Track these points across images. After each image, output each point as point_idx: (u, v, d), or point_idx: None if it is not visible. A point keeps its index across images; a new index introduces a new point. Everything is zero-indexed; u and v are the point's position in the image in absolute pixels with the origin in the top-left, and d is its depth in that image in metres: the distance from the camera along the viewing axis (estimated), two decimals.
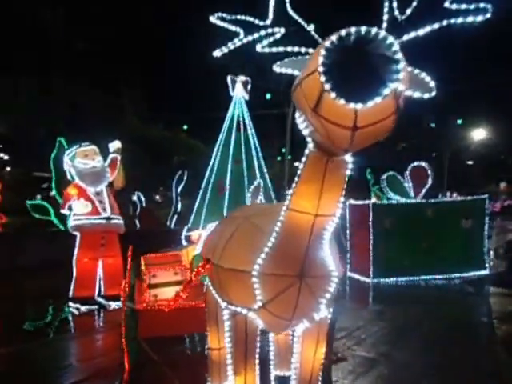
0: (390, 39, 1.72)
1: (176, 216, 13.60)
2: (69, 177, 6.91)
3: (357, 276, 9.45)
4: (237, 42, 2.22)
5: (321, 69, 1.71)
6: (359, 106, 1.70)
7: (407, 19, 2.06)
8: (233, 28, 2.22)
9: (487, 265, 9.55)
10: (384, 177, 9.71)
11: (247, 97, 9.18)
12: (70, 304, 6.75)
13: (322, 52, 1.72)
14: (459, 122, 26.24)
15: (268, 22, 2.19)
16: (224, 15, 2.23)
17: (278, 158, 31.53)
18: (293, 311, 2.49)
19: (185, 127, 24.10)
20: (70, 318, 6.44)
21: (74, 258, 6.79)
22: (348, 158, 2.17)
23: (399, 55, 1.72)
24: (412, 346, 5.15)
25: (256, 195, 3.91)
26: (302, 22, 2.08)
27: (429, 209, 9.26)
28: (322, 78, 1.71)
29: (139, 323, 4.01)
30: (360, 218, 9.47)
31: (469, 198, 9.92)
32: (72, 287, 6.80)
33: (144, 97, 22.16)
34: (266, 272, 2.45)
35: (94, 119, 18.32)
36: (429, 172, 9.59)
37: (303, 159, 2.21)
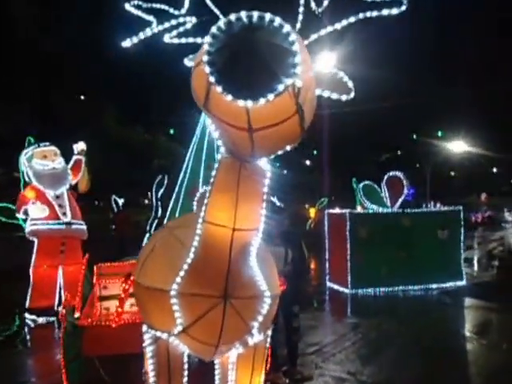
0: (287, 28, 1.48)
1: (156, 221, 13.24)
2: (26, 178, 6.51)
3: (336, 286, 9.22)
4: (148, 32, 1.96)
5: (205, 58, 1.46)
6: (249, 103, 1.46)
7: (324, 13, 1.89)
8: (147, 17, 1.99)
9: (464, 275, 9.43)
10: (360, 186, 9.55)
11: None
12: (26, 315, 6.34)
13: (208, 39, 1.46)
14: (439, 133, 26.55)
15: (183, 11, 1.96)
16: (140, 3, 2.00)
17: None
18: (218, 336, 2.19)
19: (171, 131, 23.66)
20: (26, 330, 6.04)
21: (32, 265, 6.39)
22: (265, 164, 1.93)
23: (297, 46, 1.46)
24: (383, 363, 4.90)
25: (201, 203, 3.60)
26: (217, 12, 1.85)
27: (405, 219, 9.11)
28: (207, 69, 1.46)
29: (83, 340, 3.64)
30: (338, 228, 9.27)
31: (444, 208, 9.82)
32: (28, 297, 6.38)
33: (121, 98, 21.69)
34: (186, 292, 2.14)
35: (68, 119, 17.87)
36: (404, 182, 9.46)
37: (215, 165, 1.96)
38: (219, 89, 1.45)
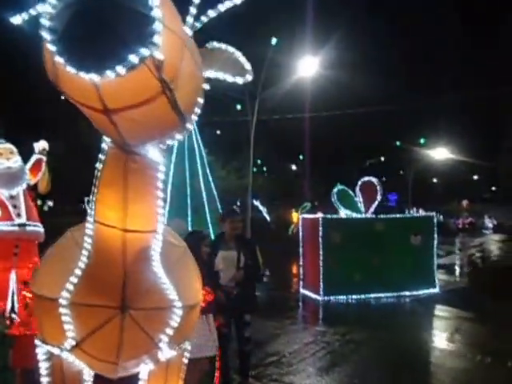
0: None
1: None
2: None
3: (308, 293, 9.04)
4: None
5: (44, 22, 1.23)
6: (94, 76, 1.23)
7: None
8: None
9: (437, 283, 9.34)
10: (335, 191, 9.40)
11: None
12: None
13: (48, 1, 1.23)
14: (422, 141, 26.72)
15: None
16: None
17: (254, 169, 31.31)
18: (116, 352, 1.95)
19: None
20: None
21: None
22: (158, 157, 1.73)
23: (157, 12, 1.23)
24: (343, 375, 4.69)
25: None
26: None
27: (379, 224, 9.00)
28: (47, 36, 1.23)
29: (13, 350, 3.37)
30: (311, 233, 9.11)
31: (417, 214, 9.75)
32: None
33: None
34: (78, 301, 1.91)
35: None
36: (378, 187, 9.35)
37: (101, 156, 1.73)
38: (60, 59, 1.23)
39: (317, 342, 5.81)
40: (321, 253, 8.63)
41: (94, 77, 1.24)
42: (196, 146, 8.74)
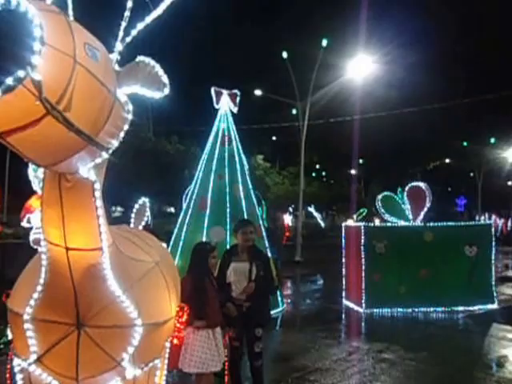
0: (24, 5, 1.22)
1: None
2: (34, 187, 6.71)
3: (351, 305, 8.68)
4: None
5: None
6: None
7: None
8: None
9: (496, 298, 8.48)
10: (379, 197, 8.93)
11: (235, 110, 8.79)
12: None
13: None
14: (492, 140, 24.56)
15: None
16: None
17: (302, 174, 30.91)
18: (75, 368, 1.98)
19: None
20: None
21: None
22: (92, 176, 1.74)
23: (37, 31, 1.20)
24: None
25: (140, 215, 3.43)
26: None
27: (428, 233, 8.39)
28: None
29: None
30: (354, 242, 8.74)
31: (473, 223, 8.92)
32: None
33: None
34: (38, 317, 1.98)
35: None
36: (427, 193, 8.72)
37: (41, 176, 1.81)
38: None
39: (348, 358, 5.52)
40: (363, 263, 8.25)
41: None
42: (236, 153, 8.78)
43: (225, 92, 8.65)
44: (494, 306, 8.39)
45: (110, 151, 1.85)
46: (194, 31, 25.72)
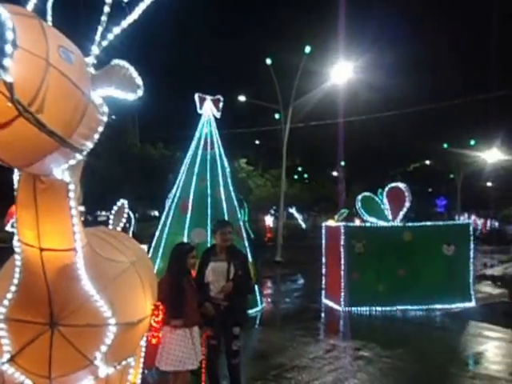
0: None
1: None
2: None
3: (330, 303, 8.78)
4: None
5: None
6: None
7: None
8: None
9: (473, 296, 8.68)
10: (359, 198, 9.06)
11: (218, 115, 8.87)
12: None
13: None
14: (472, 142, 25.11)
15: None
16: None
17: (295, 177, 31.16)
18: (47, 367, 2.01)
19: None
20: None
21: None
22: (67, 177, 1.77)
23: (9, 34, 1.25)
24: None
25: (119, 217, 3.44)
26: None
27: (407, 233, 8.54)
28: None
29: None
30: (333, 242, 8.85)
31: (451, 222, 9.12)
32: None
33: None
34: (11, 317, 2.00)
35: None
36: (406, 194, 8.87)
37: (16, 177, 1.82)
38: None
39: (325, 356, 5.58)
40: (342, 262, 8.35)
41: None
42: (218, 157, 8.83)
43: (208, 98, 8.74)
44: (472, 304, 8.57)
45: (85, 153, 1.86)
46: (179, 38, 25.85)
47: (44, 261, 1.85)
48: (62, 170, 1.79)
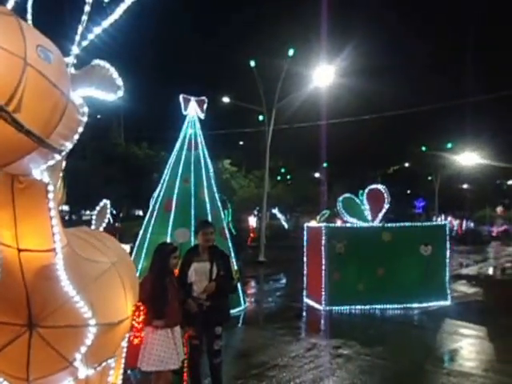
0: None
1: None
2: None
3: (311, 303, 8.91)
4: None
5: None
6: None
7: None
8: None
9: (449, 295, 8.94)
10: (340, 199, 9.23)
11: (202, 116, 8.90)
12: None
13: None
14: (449, 145, 25.80)
15: None
16: None
17: (278, 178, 31.33)
18: (26, 369, 1.98)
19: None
20: None
21: None
22: (46, 178, 1.76)
23: None
24: None
25: (101, 217, 3.45)
26: None
27: (386, 233, 8.74)
28: None
29: None
30: (315, 242, 8.98)
31: (428, 223, 9.37)
32: None
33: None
34: None
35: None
36: (385, 195, 9.08)
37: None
38: None
39: (305, 354, 5.68)
40: (323, 262, 8.49)
41: None
42: (202, 157, 8.86)
43: (193, 99, 8.76)
44: (448, 302, 8.82)
45: (64, 153, 1.85)
46: (164, 40, 25.80)
47: (22, 261, 1.83)
48: (41, 170, 1.78)
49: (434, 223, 9.37)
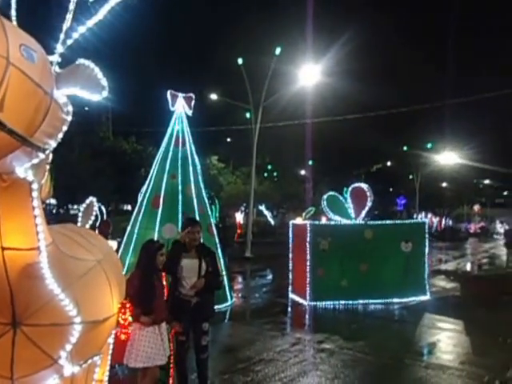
0: None
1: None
2: None
3: (296, 298, 9.08)
4: None
5: None
6: None
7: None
8: None
9: (428, 290, 9.24)
10: (324, 197, 9.40)
11: (190, 112, 8.89)
12: None
13: None
14: (429, 145, 26.40)
15: None
16: None
17: (265, 175, 31.43)
18: (10, 367, 1.96)
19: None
20: None
21: None
22: (30, 176, 1.77)
23: None
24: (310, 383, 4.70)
25: (88, 214, 3.47)
26: None
27: (368, 230, 8.96)
28: None
29: None
30: (300, 239, 9.13)
31: (409, 221, 9.64)
32: None
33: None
34: None
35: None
36: (368, 193, 9.29)
37: None
38: None
39: (290, 349, 5.82)
40: (308, 258, 8.66)
41: None
42: (189, 154, 8.87)
43: (180, 95, 8.74)
44: (427, 297, 9.11)
45: (48, 152, 1.84)
46: (154, 36, 25.61)
47: (6, 260, 1.81)
48: (25, 168, 1.77)
49: (415, 220, 9.58)
